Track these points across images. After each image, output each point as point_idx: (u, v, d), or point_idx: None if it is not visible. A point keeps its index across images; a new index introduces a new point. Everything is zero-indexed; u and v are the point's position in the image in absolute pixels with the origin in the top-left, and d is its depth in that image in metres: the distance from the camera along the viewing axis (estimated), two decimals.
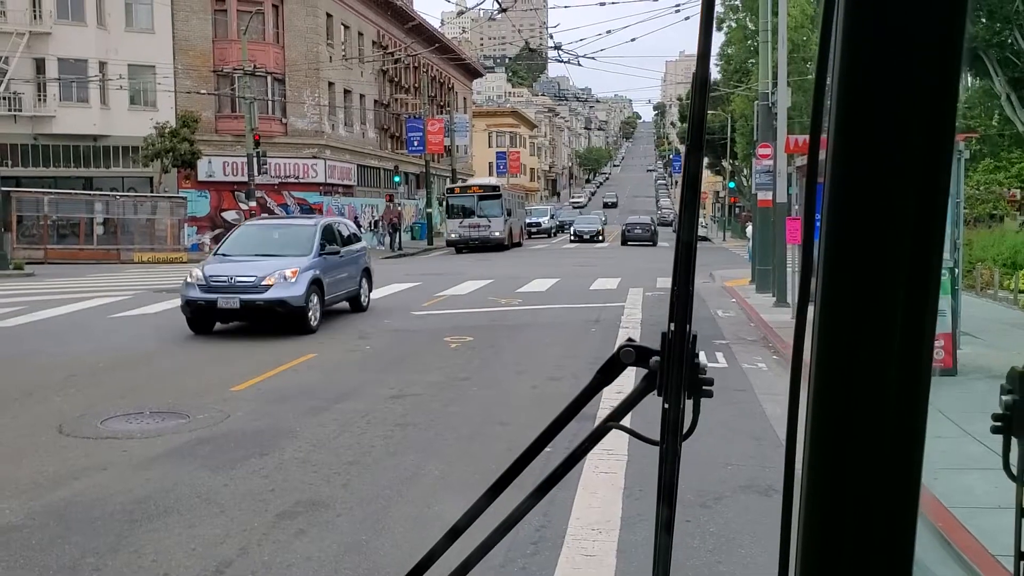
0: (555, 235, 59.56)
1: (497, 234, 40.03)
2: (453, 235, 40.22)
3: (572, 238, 51.01)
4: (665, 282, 22.14)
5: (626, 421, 1.07)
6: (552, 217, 63.33)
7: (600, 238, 51.21)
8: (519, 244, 45.45)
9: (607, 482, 5.79)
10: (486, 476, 6.15)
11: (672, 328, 0.95)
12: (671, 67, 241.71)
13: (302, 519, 5.35)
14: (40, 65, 37.76)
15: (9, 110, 36.36)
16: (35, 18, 37.53)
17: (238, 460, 6.62)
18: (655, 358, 1.00)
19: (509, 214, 42.55)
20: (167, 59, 39.70)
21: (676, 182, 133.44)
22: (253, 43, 38.27)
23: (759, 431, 7.44)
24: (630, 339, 1.06)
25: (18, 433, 7.60)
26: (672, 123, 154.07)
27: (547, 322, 14.86)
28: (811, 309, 0.76)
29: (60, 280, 23.84)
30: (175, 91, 39.53)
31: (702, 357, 0.99)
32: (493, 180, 46.22)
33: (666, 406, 0.97)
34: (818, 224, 0.75)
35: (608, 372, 1.07)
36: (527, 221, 55.22)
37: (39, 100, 37.96)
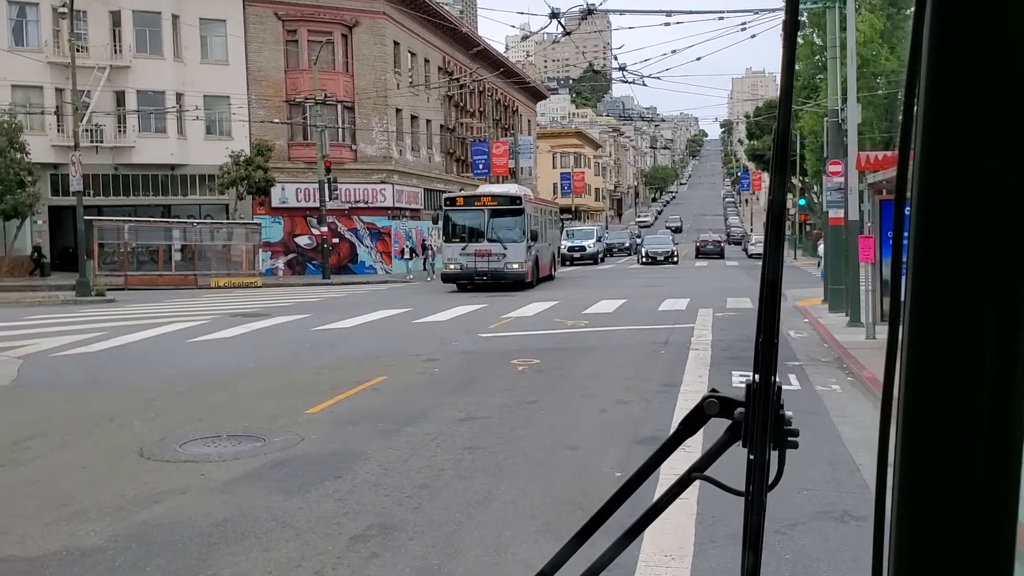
0: (602, 260, 53.21)
1: (515, 266, 27.69)
2: (452, 266, 28.07)
3: (644, 260, 48.52)
4: (735, 302, 21.88)
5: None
6: (599, 240, 54.35)
7: (675, 259, 48.70)
8: (550, 277, 33.53)
9: (679, 508, 5.73)
10: (557, 502, 6.17)
11: (757, 379, 0.95)
12: (737, 84, 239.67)
13: (375, 543, 5.41)
14: (120, 98, 39.17)
15: (91, 141, 37.74)
16: (115, 52, 38.99)
17: (312, 483, 6.73)
18: (740, 409, 1.00)
19: (535, 237, 29.56)
20: (241, 89, 40.82)
21: (745, 200, 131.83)
22: (324, 72, 39.13)
23: (834, 455, 7.29)
24: (714, 390, 1.06)
25: (101, 457, 7.85)
26: (740, 140, 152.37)
27: (614, 344, 14.80)
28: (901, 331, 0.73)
29: (140, 306, 24.59)
30: (249, 120, 40.59)
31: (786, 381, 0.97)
32: (514, 188, 31.83)
33: (751, 457, 0.97)
34: (906, 242, 0.73)
35: (691, 424, 1.07)
36: (568, 245, 48.55)
37: (119, 131, 39.34)
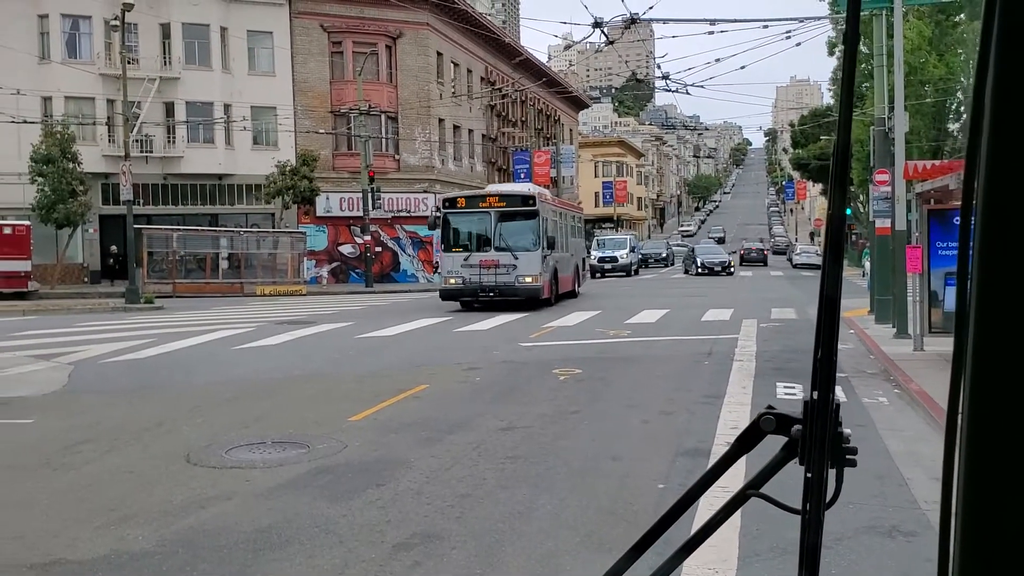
0: (636, 272, 49.23)
1: (528, 280, 23.32)
2: (452, 280, 23.75)
3: (699, 270, 46.05)
4: (780, 313, 21.65)
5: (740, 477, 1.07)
6: (633, 250, 49.72)
7: (730, 269, 46.67)
8: (573, 294, 28.55)
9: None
10: (600, 513, 6.14)
11: (814, 395, 0.94)
12: (782, 92, 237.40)
13: (418, 551, 5.43)
14: (170, 109, 39.93)
15: (141, 152, 38.48)
16: (165, 64, 39.75)
17: (355, 491, 6.78)
18: (797, 427, 0.99)
19: (552, 245, 24.92)
20: (287, 100, 41.39)
21: (789, 210, 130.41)
22: (368, 83, 39.54)
23: (881, 469, 7.17)
24: (769, 406, 1.05)
25: (149, 462, 7.98)
26: (784, 149, 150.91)
27: (657, 354, 14.73)
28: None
29: (188, 313, 24.98)
30: (295, 131, 41.15)
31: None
32: (526, 187, 27.38)
33: (809, 475, 0.96)
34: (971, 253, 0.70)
35: (747, 441, 1.06)
36: (598, 255, 45.68)
37: (168, 142, 40.09)
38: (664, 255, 60.96)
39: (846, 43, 0.86)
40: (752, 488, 1.06)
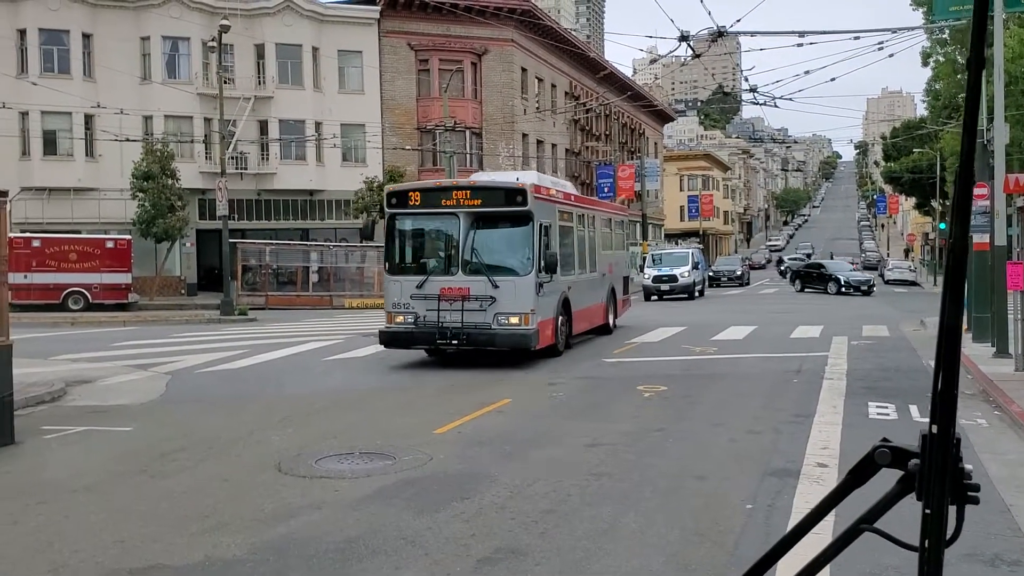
0: (701, 294, 39.86)
1: (512, 320, 14.85)
2: (400, 317, 15.43)
3: (843, 289, 40.25)
4: (872, 330, 21.06)
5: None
6: (696, 266, 39.34)
7: (873, 289, 41.17)
8: (606, 329, 20.21)
9: (818, 544, 5.55)
10: (685, 532, 6.06)
11: (934, 429, 0.92)
12: (872, 104, 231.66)
13: (502, 566, 5.45)
14: (263, 126, 41.15)
15: (236, 168, 39.72)
16: (259, 84, 41.01)
17: (441, 503, 6.84)
18: (914, 461, 0.96)
19: (553, 266, 15.53)
20: (375, 118, 42.22)
21: (881, 224, 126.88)
22: (453, 100, 40.05)
23: (982, 494, 6.90)
24: (884, 439, 1.03)
25: (242, 470, 8.20)
26: (875, 162, 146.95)
27: (744, 372, 14.48)
28: None
29: (279, 325, 25.63)
30: (383, 147, 41.95)
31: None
32: (512, 176, 17.94)
33: (927, 511, 0.93)
34: None
35: (861, 474, 1.03)
36: (653, 273, 37.57)
37: (262, 159, 41.30)
38: (739, 273, 52.25)
39: (969, 69, 0.83)
40: (866, 522, 1.03)
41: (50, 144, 38.26)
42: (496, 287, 14.65)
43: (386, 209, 15.81)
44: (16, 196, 32.21)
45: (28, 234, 31.96)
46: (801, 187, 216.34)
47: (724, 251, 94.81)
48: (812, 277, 42.94)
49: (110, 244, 32.56)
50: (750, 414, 10.63)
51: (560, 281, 16.11)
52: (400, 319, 15.24)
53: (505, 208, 15.09)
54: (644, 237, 52.60)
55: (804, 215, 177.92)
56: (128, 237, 33.49)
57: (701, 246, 57.09)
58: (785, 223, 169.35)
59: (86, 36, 38.68)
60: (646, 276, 38.08)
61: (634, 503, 6.85)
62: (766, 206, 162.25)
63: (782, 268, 58.45)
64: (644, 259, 42.36)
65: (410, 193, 15.64)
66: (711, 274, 48.35)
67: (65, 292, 31.21)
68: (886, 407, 10.78)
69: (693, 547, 5.81)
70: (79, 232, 35.45)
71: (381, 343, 15.65)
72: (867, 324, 22.69)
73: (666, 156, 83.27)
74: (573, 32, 67.66)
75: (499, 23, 42.51)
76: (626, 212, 26.60)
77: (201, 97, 39.54)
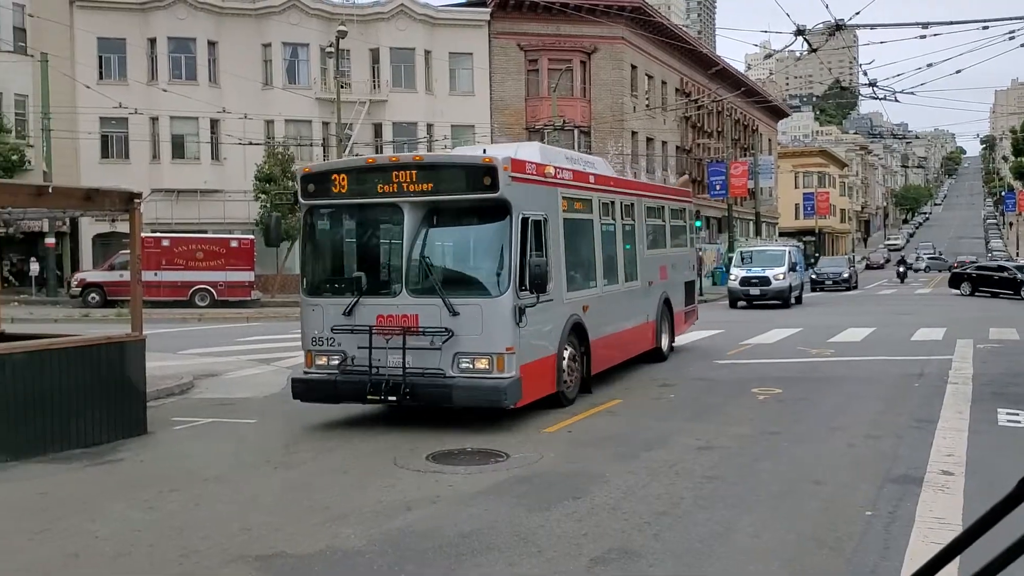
0: (798, 300, 33.37)
1: (479, 364, 9.72)
2: (322, 358, 10.40)
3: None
4: (999, 333, 20.11)
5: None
6: (793, 268, 32.75)
7: None
8: (657, 355, 15.44)
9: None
10: (802, 538, 5.95)
11: None
12: (1001, 96, 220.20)
13: (615, 566, 5.46)
14: (378, 129, 42.14)
15: None
16: (374, 88, 41.99)
17: (552, 502, 6.90)
18: None
19: (533, 285, 9.81)
20: (485, 119, 42.68)
21: (1009, 222, 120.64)
22: (562, 99, 40.10)
23: None
24: None
25: (359, 464, 8.46)
26: (1003, 157, 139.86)
27: (863, 375, 14.04)
28: None
29: None
30: None
31: None
32: (487, 151, 10.96)
33: None
34: None
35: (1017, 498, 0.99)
36: (741, 274, 31.82)
37: None
38: (845, 275, 45.20)
39: None
40: None
41: (178, 148, 40.09)
42: (455, 314, 9.59)
43: (301, 200, 10.72)
44: (147, 198, 33.84)
45: (158, 234, 33.55)
46: (922, 184, 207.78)
47: (841, 250, 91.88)
48: (991, 281, 37.20)
49: (234, 243, 33.89)
50: (869, 418, 10.32)
51: (566, 302, 11.19)
52: (322, 361, 10.31)
53: (468, 195, 10.00)
54: (757, 235, 51.50)
55: (925, 213, 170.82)
56: (251, 237, 34.75)
57: (800, 244, 50.15)
58: (905, 221, 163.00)
59: (211, 44, 40.36)
60: (732, 277, 32.46)
61: (749, 507, 6.76)
62: (884, 204, 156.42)
63: (900, 270, 54.72)
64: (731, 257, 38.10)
65: (333, 175, 10.47)
66: (813, 276, 43.86)
67: (192, 289, 32.64)
68: (1017, 414, 10.29)
69: (810, 553, 5.70)
70: (205, 232, 37.01)
71: (294, 396, 10.59)
72: (994, 327, 21.65)
73: (780, 153, 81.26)
74: (684, 28, 66.80)
75: (609, 21, 42.33)
76: (687, 196, 18.88)
77: (319, 101, 40.72)
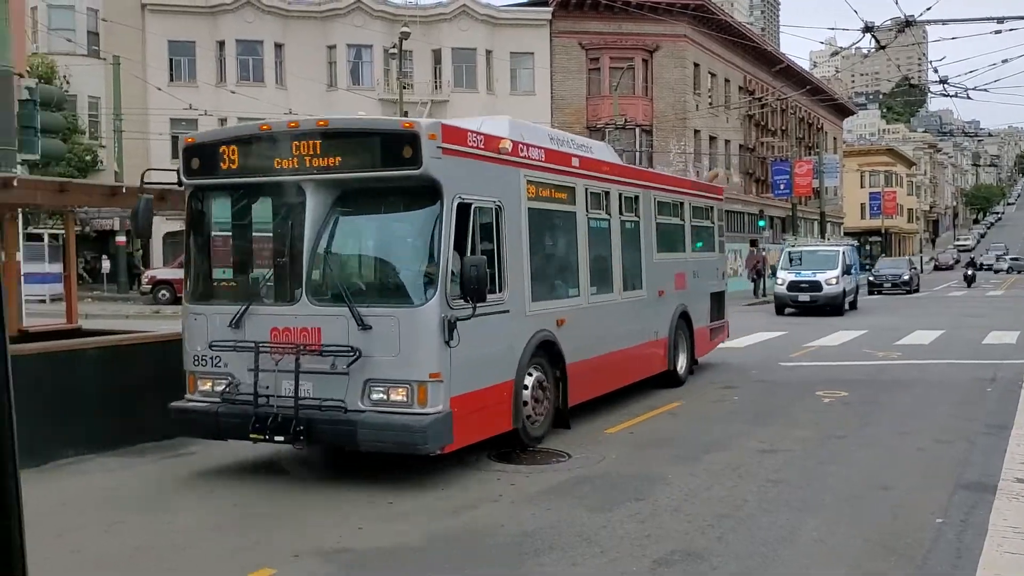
0: (852, 306, 29.86)
1: (396, 396, 7.33)
2: (206, 382, 8.10)
3: None
4: None
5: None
6: (848, 270, 29.31)
7: None
8: (671, 380, 12.73)
9: (1014, 564, 5.23)
10: (869, 544, 5.86)
11: None
12: None
13: (678, 568, 5.44)
14: None
15: None
16: (436, 88, 42.30)
17: (614, 502, 6.89)
18: None
19: (468, 291, 7.40)
20: (545, 118, 42.64)
21: None
22: (623, 98, 39.92)
23: None
24: None
25: (420, 460, 8.52)
26: None
27: (932, 379, 13.72)
28: None
29: None
30: None
31: None
32: (411, 121, 7.83)
33: None
34: None
35: None
36: (789, 278, 28.38)
37: None
38: (905, 277, 41.52)
39: None
40: None
41: None
42: (365, 328, 7.34)
43: (183, 178, 8.34)
44: None
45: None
46: (994, 183, 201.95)
47: (908, 251, 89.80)
48: None
49: None
50: (939, 423, 10.09)
51: (529, 314, 8.80)
52: (206, 386, 8.10)
53: (383, 172, 7.65)
54: (822, 235, 50.63)
55: (997, 213, 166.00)
56: None
57: (855, 243, 46.76)
58: (975, 221, 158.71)
59: (278, 46, 41.09)
60: (779, 281, 28.91)
61: (814, 511, 6.67)
62: (954, 203, 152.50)
63: (968, 272, 51.39)
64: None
65: (222, 147, 8.13)
66: (871, 279, 41.28)
67: None
68: None
69: (878, 559, 5.61)
70: None
71: (175, 428, 8.52)
72: None
73: (846, 151, 79.71)
74: (747, 25, 65.94)
75: (672, 19, 41.98)
76: (716, 193, 15.68)
77: (382, 102, 41.15)
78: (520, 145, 8.98)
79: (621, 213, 11.37)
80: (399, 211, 8.24)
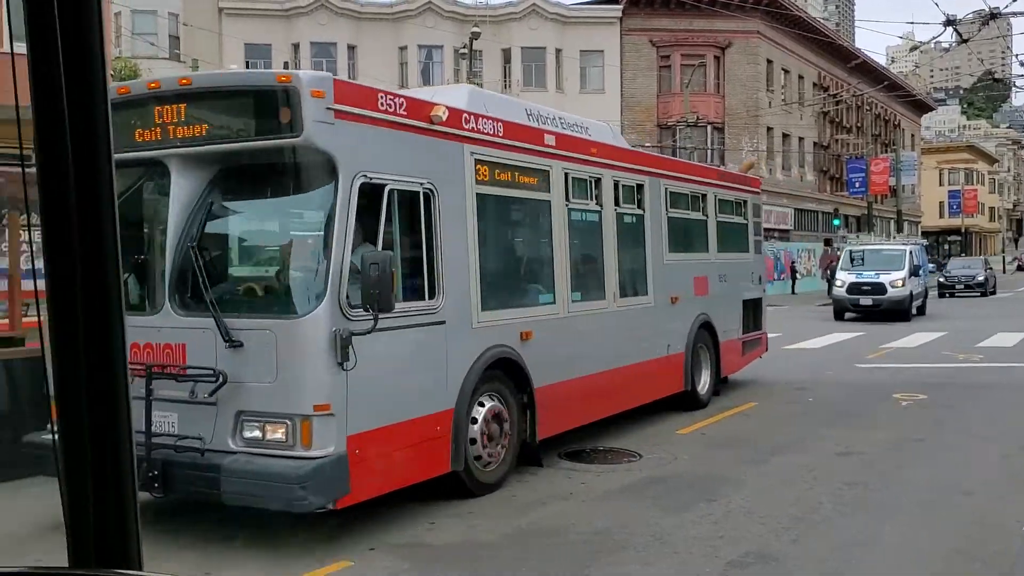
0: (921, 310, 27.18)
1: (273, 436, 5.66)
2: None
3: None
4: None
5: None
6: (916, 271, 26.75)
7: None
8: (691, 401, 10.97)
9: None
10: (950, 551, 5.73)
11: None
12: None
13: (752, 570, 5.39)
14: None
15: None
16: (505, 87, 42.39)
17: (687, 503, 6.86)
18: None
19: (370, 298, 5.57)
20: (615, 116, 42.45)
21: None
22: (694, 95, 39.54)
23: None
24: None
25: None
26: None
27: (1016, 382, 13.30)
28: None
29: None
30: None
31: None
32: (290, 75, 5.77)
33: None
34: None
35: None
36: (849, 279, 25.85)
37: None
38: (980, 279, 38.22)
39: None
40: None
41: None
42: (235, 344, 5.78)
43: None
44: None
45: None
46: None
47: (990, 251, 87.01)
48: None
49: None
50: None
51: (477, 326, 7.09)
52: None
53: (256, 141, 6.09)
54: (899, 233, 49.41)
55: None
56: None
57: (925, 242, 43.02)
58: None
59: (351, 47, 41.69)
60: (839, 283, 26.26)
61: (892, 515, 6.54)
62: None
63: None
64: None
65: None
66: (942, 280, 38.73)
67: None
68: None
69: (960, 566, 5.48)
70: None
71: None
72: None
73: (924, 148, 77.56)
74: (822, 21, 64.66)
75: (744, 15, 41.39)
76: (749, 185, 13.43)
77: None
78: (465, 115, 7.18)
79: (618, 204, 9.42)
80: (282, 194, 6.58)
